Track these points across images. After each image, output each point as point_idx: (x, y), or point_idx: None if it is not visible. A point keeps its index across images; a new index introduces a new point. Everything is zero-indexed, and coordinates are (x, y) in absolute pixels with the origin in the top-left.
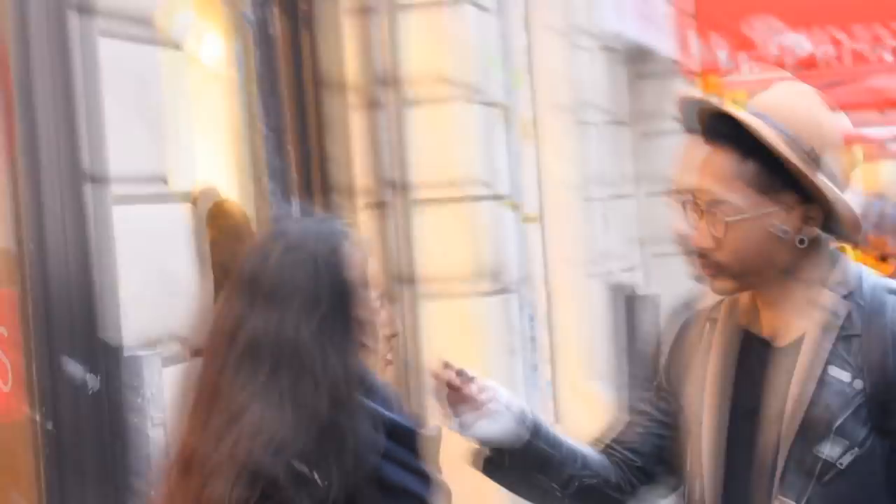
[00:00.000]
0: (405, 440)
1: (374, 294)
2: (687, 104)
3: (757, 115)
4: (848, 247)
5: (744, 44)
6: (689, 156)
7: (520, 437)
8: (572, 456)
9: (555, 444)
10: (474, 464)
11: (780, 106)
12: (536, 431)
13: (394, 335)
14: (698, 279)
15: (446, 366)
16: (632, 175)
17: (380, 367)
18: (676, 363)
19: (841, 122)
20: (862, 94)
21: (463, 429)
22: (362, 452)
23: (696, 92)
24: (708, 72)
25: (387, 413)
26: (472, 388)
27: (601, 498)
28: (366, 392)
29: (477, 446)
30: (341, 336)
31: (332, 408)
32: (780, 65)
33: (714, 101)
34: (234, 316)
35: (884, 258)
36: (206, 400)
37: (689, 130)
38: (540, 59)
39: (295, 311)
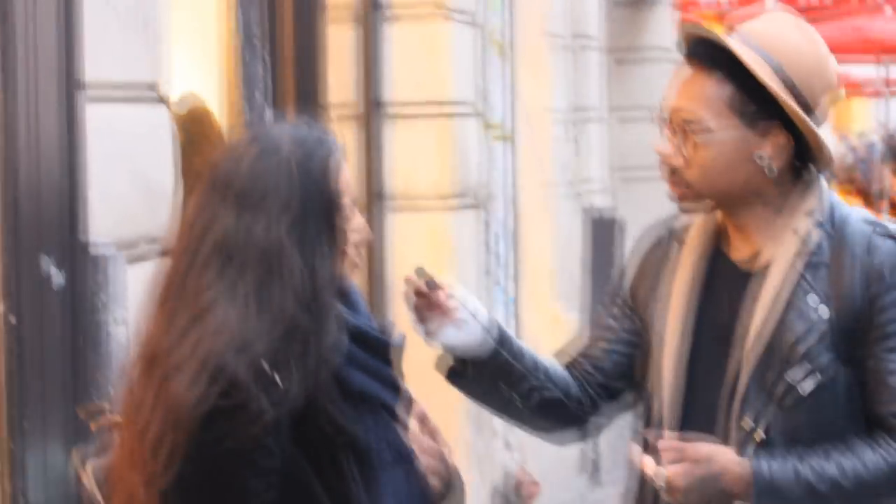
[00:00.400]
0: (371, 346)
1: (346, 200)
2: (680, 29)
3: (737, 39)
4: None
5: None
6: (676, 79)
7: (485, 347)
8: (535, 368)
9: (519, 355)
10: (439, 371)
11: (763, 34)
12: (501, 342)
13: (364, 241)
14: (673, 199)
15: (419, 273)
16: (606, 101)
17: (348, 272)
18: (643, 281)
19: (823, 56)
20: (842, 33)
21: (429, 336)
22: (325, 356)
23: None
24: (687, 2)
25: (353, 319)
26: (441, 296)
27: (561, 411)
28: (336, 298)
29: (442, 354)
30: (312, 240)
31: (296, 310)
32: None
33: (699, 26)
34: (205, 216)
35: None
36: (171, 298)
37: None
38: None
39: (266, 213)
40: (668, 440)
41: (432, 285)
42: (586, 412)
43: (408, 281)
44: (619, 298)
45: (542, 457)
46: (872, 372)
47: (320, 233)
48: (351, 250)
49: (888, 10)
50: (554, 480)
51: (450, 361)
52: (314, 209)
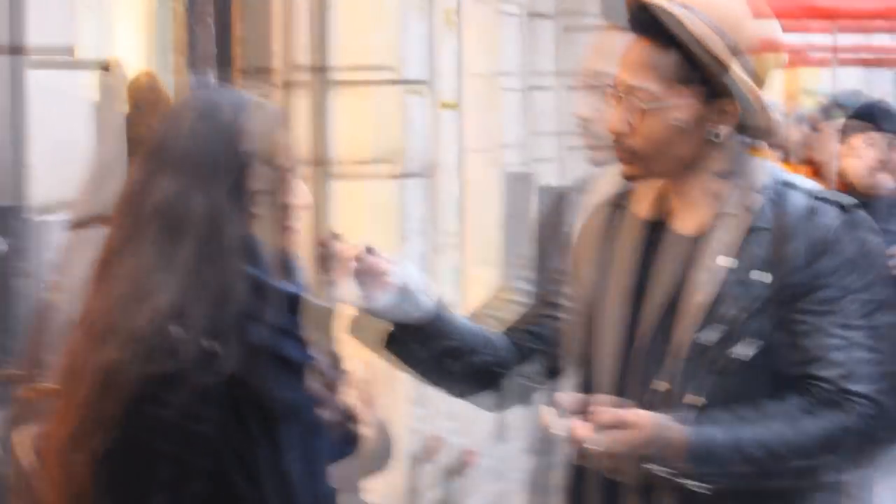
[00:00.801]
0: (287, 306)
1: (286, 166)
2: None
3: (682, 5)
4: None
5: None
6: (606, 45)
7: (422, 314)
8: (471, 336)
9: (455, 323)
10: (375, 339)
11: (705, 1)
12: (439, 309)
13: (304, 208)
14: (596, 164)
15: (334, 237)
16: (552, 69)
17: (284, 237)
18: (581, 247)
19: (765, 21)
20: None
21: (367, 303)
22: (259, 326)
23: None
24: None
25: (293, 289)
26: (380, 263)
27: (496, 378)
28: (276, 265)
29: (357, 317)
30: (247, 206)
31: (234, 277)
32: None
33: None
34: (144, 182)
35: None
36: (110, 265)
37: (610, 21)
38: None
39: (202, 179)
40: (603, 407)
41: (372, 253)
42: (521, 378)
43: (321, 244)
44: (560, 264)
45: (478, 425)
46: (819, 345)
47: (261, 199)
48: (291, 217)
49: None
50: (489, 449)
51: (388, 328)
52: (255, 175)
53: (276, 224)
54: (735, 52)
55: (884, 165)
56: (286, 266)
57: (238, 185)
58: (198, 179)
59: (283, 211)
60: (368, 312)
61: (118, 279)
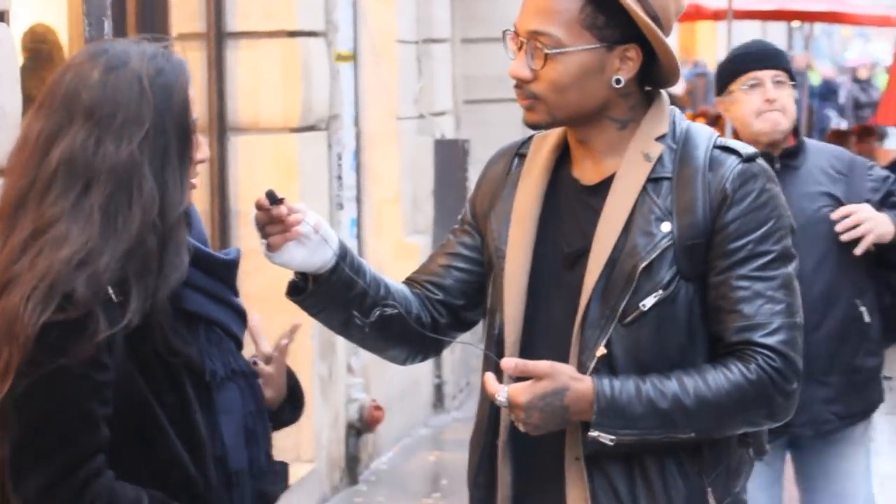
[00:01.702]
0: (208, 267)
1: (192, 118)
2: None
3: None
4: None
5: None
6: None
7: (326, 262)
8: (376, 285)
9: (360, 271)
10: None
11: None
12: (343, 257)
13: (202, 160)
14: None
15: (268, 195)
16: (449, 21)
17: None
18: (484, 197)
19: None
20: None
21: (271, 251)
22: (167, 277)
23: None
24: None
25: (196, 242)
26: (282, 210)
27: (402, 329)
28: (184, 218)
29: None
30: (163, 158)
31: (143, 228)
32: None
33: None
34: (47, 133)
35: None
36: (9, 215)
37: None
38: None
39: (115, 130)
40: (510, 358)
41: (274, 200)
42: (427, 330)
43: (259, 206)
44: (462, 214)
45: (386, 382)
46: (721, 296)
47: (172, 151)
48: (192, 170)
49: None
50: (397, 406)
51: (292, 276)
52: (166, 126)
53: (185, 178)
54: None
55: (772, 106)
56: (191, 220)
57: (151, 137)
58: (108, 130)
59: (190, 165)
60: (271, 261)
61: (21, 229)
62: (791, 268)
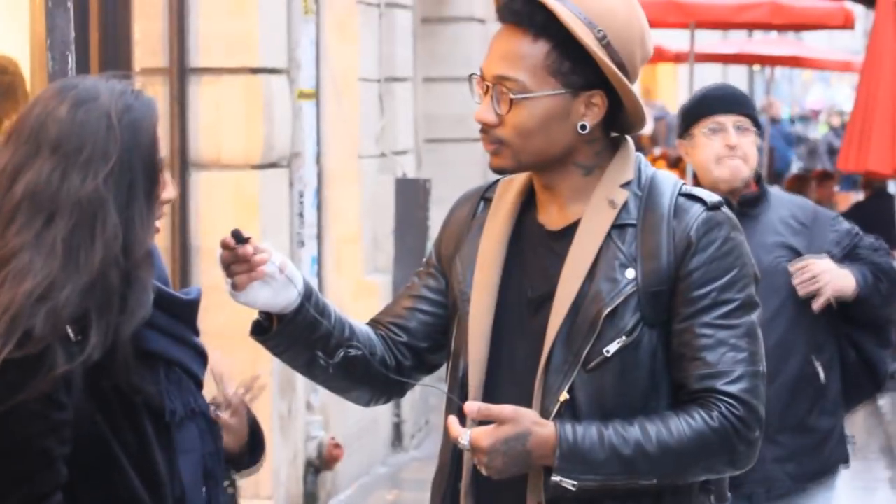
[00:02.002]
0: (169, 307)
1: (159, 156)
2: None
3: None
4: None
5: None
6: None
7: (290, 303)
8: (340, 326)
9: (324, 312)
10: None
11: None
12: (308, 298)
13: (170, 200)
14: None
15: (234, 234)
16: (411, 60)
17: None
18: (449, 240)
19: (637, 16)
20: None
21: (236, 290)
22: (128, 314)
23: None
24: None
25: (157, 283)
26: (248, 250)
27: (366, 371)
28: (149, 256)
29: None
30: (129, 194)
31: (105, 264)
32: None
33: None
34: (13, 165)
35: (676, 163)
36: None
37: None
38: None
39: (81, 164)
40: (473, 402)
41: (240, 240)
42: (391, 372)
43: (224, 245)
44: (427, 257)
45: (345, 420)
46: (685, 343)
47: (138, 187)
48: (158, 209)
49: None
50: (356, 444)
51: (256, 316)
52: (133, 163)
53: (151, 216)
54: (604, 44)
55: (733, 152)
56: (159, 263)
57: (118, 172)
58: (75, 165)
59: (157, 202)
60: (236, 301)
61: None
62: (754, 316)
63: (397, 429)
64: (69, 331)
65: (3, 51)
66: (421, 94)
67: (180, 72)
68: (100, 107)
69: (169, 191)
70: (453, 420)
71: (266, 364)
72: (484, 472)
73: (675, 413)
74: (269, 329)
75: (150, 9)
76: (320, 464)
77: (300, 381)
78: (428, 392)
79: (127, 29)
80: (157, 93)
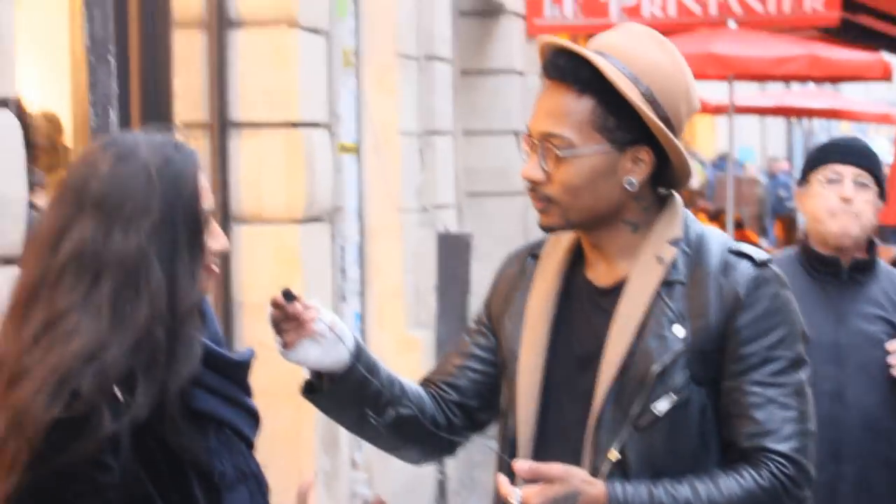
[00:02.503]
0: (220, 368)
1: (206, 208)
2: (540, 42)
3: (597, 52)
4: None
5: None
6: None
7: (340, 361)
8: (390, 384)
9: (374, 370)
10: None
11: (620, 46)
12: (358, 356)
13: (222, 252)
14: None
15: (285, 294)
16: (451, 113)
17: (203, 283)
18: (498, 298)
19: (683, 72)
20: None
21: (286, 349)
22: (176, 373)
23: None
24: (532, 14)
25: (208, 342)
26: (298, 308)
27: (417, 430)
28: (196, 311)
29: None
30: (172, 249)
31: (151, 321)
32: (605, 12)
33: (559, 38)
34: (59, 224)
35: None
36: (21, 306)
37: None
38: None
39: (123, 220)
40: (523, 460)
41: (290, 298)
42: (442, 431)
43: (275, 304)
44: (477, 315)
45: (390, 477)
46: (734, 401)
47: (181, 241)
48: (208, 260)
49: (731, 23)
50: (400, 502)
51: (306, 375)
52: (175, 216)
53: (196, 269)
54: (650, 99)
55: (847, 206)
56: (204, 314)
57: (160, 227)
58: (117, 221)
59: (202, 255)
60: (286, 359)
61: (33, 321)
62: (803, 374)
63: (442, 486)
64: (116, 391)
65: (46, 105)
66: (461, 147)
67: (221, 125)
68: (139, 161)
69: (219, 241)
70: (503, 479)
71: (309, 420)
72: None
73: (724, 472)
74: (319, 388)
75: (191, 63)
76: None
77: (344, 437)
78: (472, 448)
79: (167, 83)
80: (198, 146)
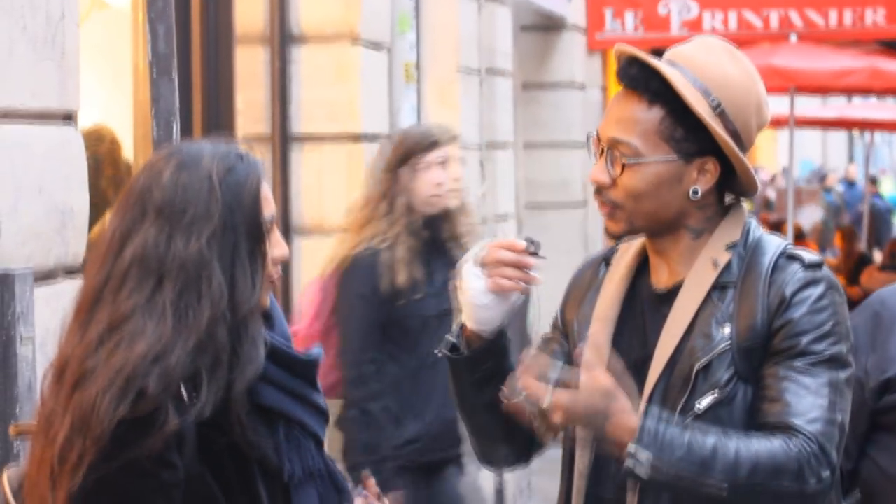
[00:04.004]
0: (288, 365)
1: (267, 215)
2: (615, 50)
3: (670, 63)
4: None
5: (631, 2)
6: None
7: (499, 325)
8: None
9: (509, 352)
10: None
11: (693, 57)
12: (504, 331)
13: (282, 258)
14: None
15: (528, 241)
16: (511, 126)
17: (266, 287)
18: (571, 304)
19: (755, 84)
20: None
21: (484, 290)
22: (240, 371)
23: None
24: (594, 28)
25: (277, 339)
26: (529, 261)
27: (519, 424)
28: (258, 313)
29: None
30: (233, 253)
31: (212, 323)
32: (666, 26)
33: (633, 48)
34: (123, 230)
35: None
36: (86, 310)
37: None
38: (427, 3)
39: (185, 226)
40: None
41: (534, 248)
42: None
43: (511, 245)
44: (553, 321)
45: None
46: (767, 386)
47: (241, 246)
48: (270, 266)
49: (792, 36)
50: None
51: (451, 340)
52: (236, 222)
53: (261, 273)
54: (719, 112)
55: None
56: (267, 315)
57: (220, 233)
58: (178, 226)
59: (264, 260)
60: (474, 300)
61: (97, 324)
62: (843, 374)
63: (500, 494)
64: (182, 390)
65: (108, 120)
66: (522, 159)
67: (282, 139)
68: (202, 169)
69: (281, 249)
70: (533, 381)
71: None
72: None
73: (756, 433)
74: (459, 349)
75: (253, 77)
76: None
77: None
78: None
79: (230, 97)
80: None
